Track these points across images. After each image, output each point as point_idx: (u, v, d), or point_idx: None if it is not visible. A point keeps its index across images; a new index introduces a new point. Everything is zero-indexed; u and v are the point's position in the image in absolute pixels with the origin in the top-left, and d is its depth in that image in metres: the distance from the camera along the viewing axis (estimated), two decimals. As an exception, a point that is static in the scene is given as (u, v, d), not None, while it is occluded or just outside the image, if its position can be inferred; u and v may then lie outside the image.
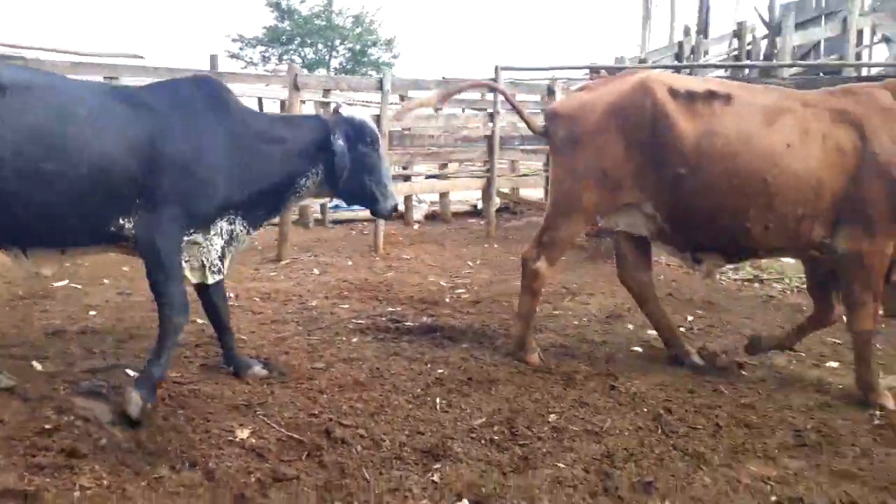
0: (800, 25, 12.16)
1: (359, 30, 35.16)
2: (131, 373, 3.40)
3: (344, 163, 3.38)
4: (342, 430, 2.90)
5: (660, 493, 2.52)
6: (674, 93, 3.57)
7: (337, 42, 35.04)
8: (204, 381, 3.37)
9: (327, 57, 34.96)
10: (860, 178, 3.41)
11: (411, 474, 2.59)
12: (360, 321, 4.56)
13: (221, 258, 3.39)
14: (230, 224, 3.37)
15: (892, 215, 3.42)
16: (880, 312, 3.81)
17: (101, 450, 2.64)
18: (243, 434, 2.82)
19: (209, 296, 3.43)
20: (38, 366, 3.47)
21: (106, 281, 5.49)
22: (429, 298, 5.22)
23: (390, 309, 4.91)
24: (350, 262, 6.49)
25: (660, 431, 3.05)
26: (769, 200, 3.46)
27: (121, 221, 3.09)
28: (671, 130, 3.52)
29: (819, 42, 12.39)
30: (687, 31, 13.83)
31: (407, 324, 4.52)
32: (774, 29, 12.13)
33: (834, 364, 4.12)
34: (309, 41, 34.48)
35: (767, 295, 6.02)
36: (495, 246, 7.84)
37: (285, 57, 34.81)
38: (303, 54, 35.05)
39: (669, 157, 3.54)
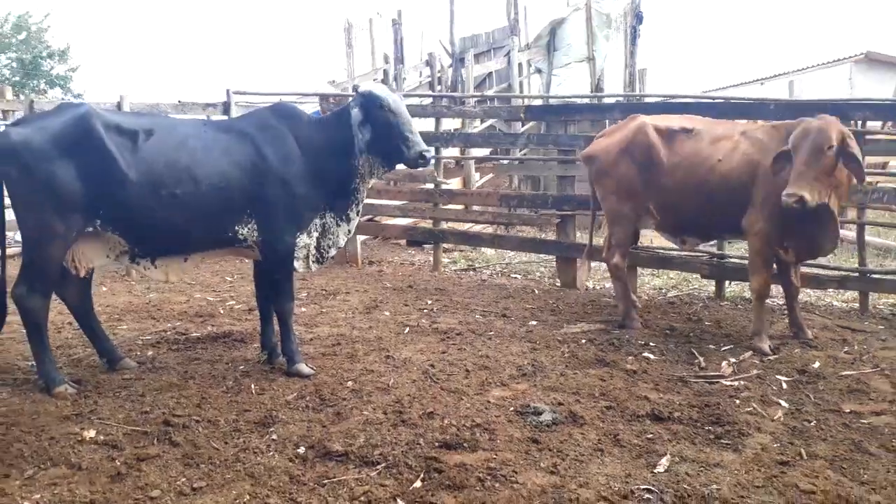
0: (475, 57, 14.55)
1: (22, 36, 31.36)
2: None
3: (359, 131, 4.04)
4: (178, 419, 3.37)
5: (439, 416, 3.48)
6: (658, 130, 5.18)
7: (-4, 50, 30.81)
8: (20, 402, 3.53)
9: (-13, 66, 30.58)
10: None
11: (252, 438, 3.21)
12: (147, 338, 4.85)
13: (319, 248, 4.25)
14: (321, 219, 4.21)
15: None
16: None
17: (-49, 467, 2.79)
18: (90, 434, 3.15)
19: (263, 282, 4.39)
20: None
21: None
22: (203, 312, 5.62)
23: (170, 325, 5.24)
24: (105, 288, 6.48)
25: (429, 381, 4.04)
26: (711, 196, 4.91)
27: (236, 228, 3.95)
28: (657, 155, 5.11)
29: (491, 72, 14.93)
30: (386, 59, 15.48)
31: (194, 334, 4.93)
32: (456, 60, 14.32)
33: (534, 322, 5.55)
34: (-42, 47, 29.83)
35: (481, 279, 7.51)
36: (245, 261, 8.30)
37: (-74, 64, 29.71)
38: (-49, 62, 30.25)
39: (659, 172, 5.10)
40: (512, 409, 3.64)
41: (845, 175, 4.62)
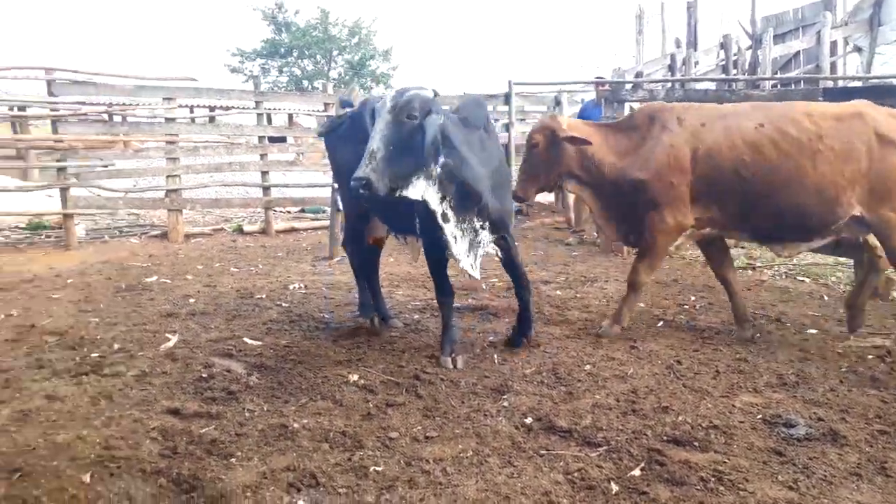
0: (779, 37, 13.02)
1: (355, 39, 35.93)
2: (248, 340, 4.26)
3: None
4: (426, 375, 3.75)
5: (674, 412, 3.35)
6: None
7: (335, 53, 35.88)
8: (309, 345, 4.24)
9: (326, 68, 35.81)
10: None
11: (486, 402, 3.44)
12: (416, 303, 5.42)
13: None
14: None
15: None
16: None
17: (251, 389, 3.49)
18: (354, 378, 3.67)
19: None
20: (171, 337, 4.32)
21: (189, 276, 6.36)
22: (468, 286, 6.06)
23: (438, 294, 5.77)
24: (392, 259, 7.32)
25: (672, 376, 3.89)
26: None
27: None
28: None
29: (798, 52, 13.27)
30: (678, 44, 14.69)
31: (455, 305, 5.35)
32: (757, 41, 13.00)
33: (813, 331, 4.95)
34: (307, 53, 35.30)
35: (760, 280, 6.87)
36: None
37: (285, 69, 35.78)
38: (302, 66, 35.94)
39: None
40: (760, 416, 3.35)
41: None
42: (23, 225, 9.41)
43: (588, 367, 3.98)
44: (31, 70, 8.17)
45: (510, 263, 4.28)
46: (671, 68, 11.67)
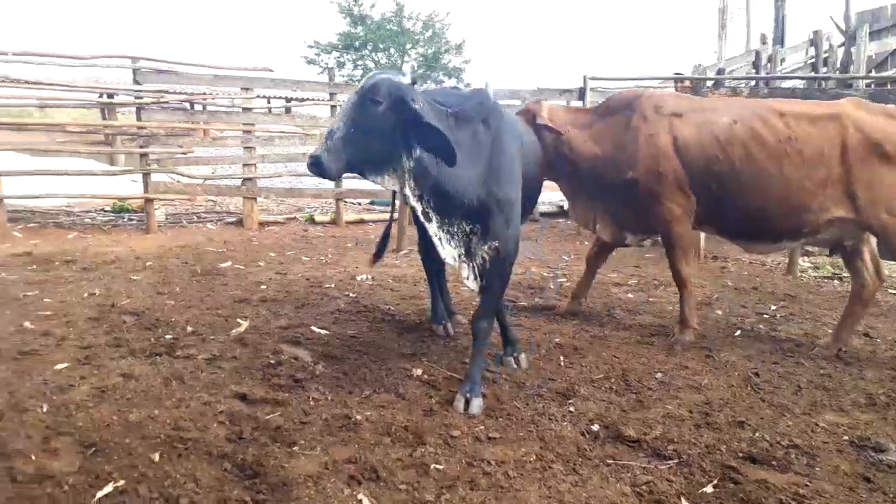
0: (875, 34, 12.18)
1: (429, 33, 36.05)
2: (316, 329, 4.29)
3: None
4: (490, 374, 3.68)
5: (751, 428, 3.18)
6: None
7: (408, 46, 36.08)
8: (374, 337, 4.24)
9: (400, 62, 36.03)
10: None
11: (551, 405, 3.34)
12: (481, 300, 5.35)
13: None
14: None
15: None
16: None
17: (317, 377, 3.51)
18: (417, 372, 3.64)
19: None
20: (242, 322, 4.40)
21: (261, 263, 6.50)
22: (535, 285, 5.96)
23: (504, 292, 5.68)
24: (458, 254, 7.28)
25: (749, 389, 3.69)
26: None
27: None
28: None
29: (894, 51, 12.40)
30: (763, 40, 14.01)
31: (521, 303, 5.27)
32: (850, 37, 12.19)
33: (906, 348, 4.63)
34: (382, 46, 35.61)
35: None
36: (585, 243, 8.51)
37: (359, 62, 36.22)
38: (376, 59, 36.29)
39: None
40: (846, 438, 3.14)
41: None
42: (108, 208, 9.84)
43: (659, 374, 3.83)
44: (117, 59, 8.48)
45: (487, 277, 3.50)
46: (756, 65, 11.13)
